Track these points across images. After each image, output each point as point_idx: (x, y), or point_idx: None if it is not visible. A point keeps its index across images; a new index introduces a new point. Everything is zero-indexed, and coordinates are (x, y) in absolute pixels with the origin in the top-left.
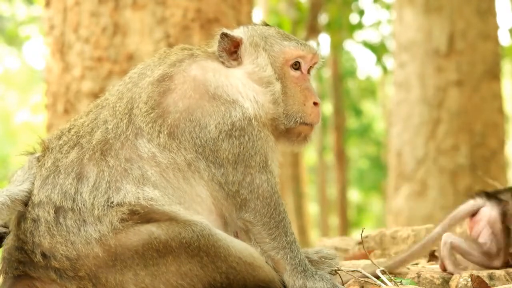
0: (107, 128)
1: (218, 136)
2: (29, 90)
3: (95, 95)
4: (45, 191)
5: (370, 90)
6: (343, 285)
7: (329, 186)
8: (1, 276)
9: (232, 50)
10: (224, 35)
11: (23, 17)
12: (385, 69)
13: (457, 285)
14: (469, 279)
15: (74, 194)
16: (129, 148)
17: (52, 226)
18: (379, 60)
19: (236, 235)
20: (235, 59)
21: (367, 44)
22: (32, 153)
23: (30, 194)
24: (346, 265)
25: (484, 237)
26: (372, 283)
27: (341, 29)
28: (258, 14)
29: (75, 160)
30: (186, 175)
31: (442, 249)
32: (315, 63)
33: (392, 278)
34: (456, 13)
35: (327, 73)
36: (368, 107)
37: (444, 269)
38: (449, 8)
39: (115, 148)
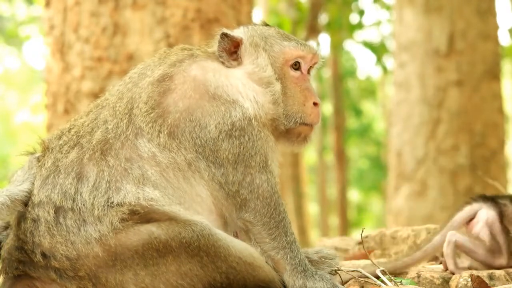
0: (107, 128)
1: (218, 136)
2: (29, 90)
3: (95, 95)
4: (45, 191)
5: (370, 90)
6: (343, 285)
7: (329, 186)
8: (1, 275)
9: (232, 50)
10: (224, 35)
11: (23, 17)
12: (385, 69)
13: (457, 285)
14: (469, 279)
15: (74, 194)
16: (129, 148)
17: (52, 226)
18: (379, 60)
19: (236, 235)
20: (235, 59)
21: (367, 44)
22: (32, 153)
23: (30, 194)
24: (346, 265)
25: (484, 237)
26: (372, 283)
27: (341, 29)
28: (258, 14)
29: (75, 160)
30: (186, 174)
31: (445, 248)
32: (315, 63)
33: (392, 278)
34: (456, 13)
35: (327, 73)
36: (368, 107)
37: (446, 268)
38: (449, 8)
39: (115, 148)
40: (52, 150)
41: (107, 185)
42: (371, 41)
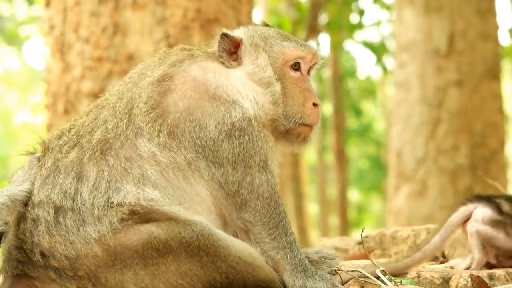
0: (107, 128)
1: (218, 136)
2: (29, 90)
3: (95, 95)
4: (45, 191)
5: (370, 90)
6: (343, 285)
7: (329, 186)
8: (1, 274)
9: (232, 50)
10: (224, 36)
11: (23, 17)
12: (385, 69)
13: (457, 285)
14: (469, 279)
15: (74, 194)
16: (129, 147)
17: (51, 226)
18: (379, 60)
19: (235, 235)
20: (235, 60)
21: (367, 44)
22: (32, 153)
23: (30, 194)
24: (346, 265)
25: (483, 235)
26: (372, 283)
27: (341, 29)
28: (258, 14)
29: (75, 160)
30: (186, 174)
31: (470, 239)
32: (314, 64)
33: (392, 278)
34: (456, 13)
35: (327, 73)
36: (368, 107)
37: (471, 266)
38: (449, 8)
39: (115, 147)
40: (52, 150)
41: (107, 185)
42: (371, 41)
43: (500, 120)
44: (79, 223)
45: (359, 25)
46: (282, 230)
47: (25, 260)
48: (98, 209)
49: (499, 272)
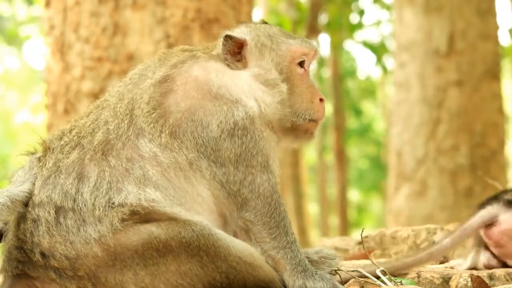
0: (108, 128)
1: (220, 136)
2: (29, 90)
3: (95, 95)
4: (46, 191)
5: (370, 90)
6: (343, 285)
7: (329, 186)
8: (1, 274)
9: (235, 51)
10: (228, 37)
11: (23, 17)
12: (385, 69)
13: (457, 285)
14: (469, 279)
15: (75, 194)
16: (131, 148)
17: (52, 226)
18: (379, 60)
19: (236, 235)
20: (238, 60)
21: (367, 44)
22: (32, 153)
23: (30, 194)
24: (346, 265)
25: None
26: (372, 283)
27: (341, 29)
28: (258, 14)
29: (76, 161)
30: (187, 174)
31: (504, 245)
32: (314, 59)
33: (392, 278)
34: (456, 13)
35: (327, 73)
36: (368, 107)
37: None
38: (449, 8)
39: (117, 148)
40: (53, 150)
41: (108, 186)
42: (371, 41)
43: (500, 120)
44: (79, 223)
45: (359, 25)
46: (282, 229)
47: (25, 260)
48: (99, 210)
49: (499, 272)
